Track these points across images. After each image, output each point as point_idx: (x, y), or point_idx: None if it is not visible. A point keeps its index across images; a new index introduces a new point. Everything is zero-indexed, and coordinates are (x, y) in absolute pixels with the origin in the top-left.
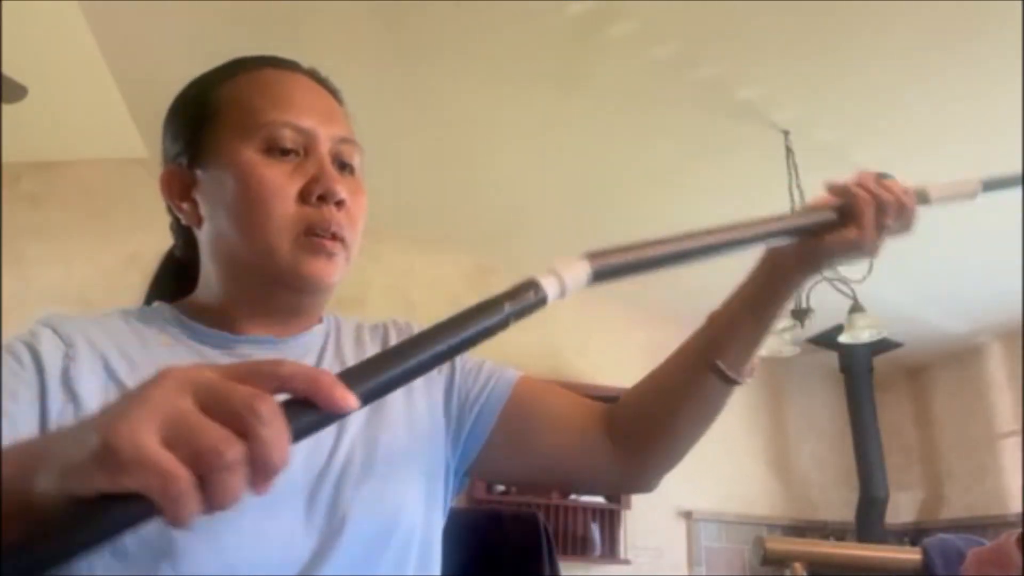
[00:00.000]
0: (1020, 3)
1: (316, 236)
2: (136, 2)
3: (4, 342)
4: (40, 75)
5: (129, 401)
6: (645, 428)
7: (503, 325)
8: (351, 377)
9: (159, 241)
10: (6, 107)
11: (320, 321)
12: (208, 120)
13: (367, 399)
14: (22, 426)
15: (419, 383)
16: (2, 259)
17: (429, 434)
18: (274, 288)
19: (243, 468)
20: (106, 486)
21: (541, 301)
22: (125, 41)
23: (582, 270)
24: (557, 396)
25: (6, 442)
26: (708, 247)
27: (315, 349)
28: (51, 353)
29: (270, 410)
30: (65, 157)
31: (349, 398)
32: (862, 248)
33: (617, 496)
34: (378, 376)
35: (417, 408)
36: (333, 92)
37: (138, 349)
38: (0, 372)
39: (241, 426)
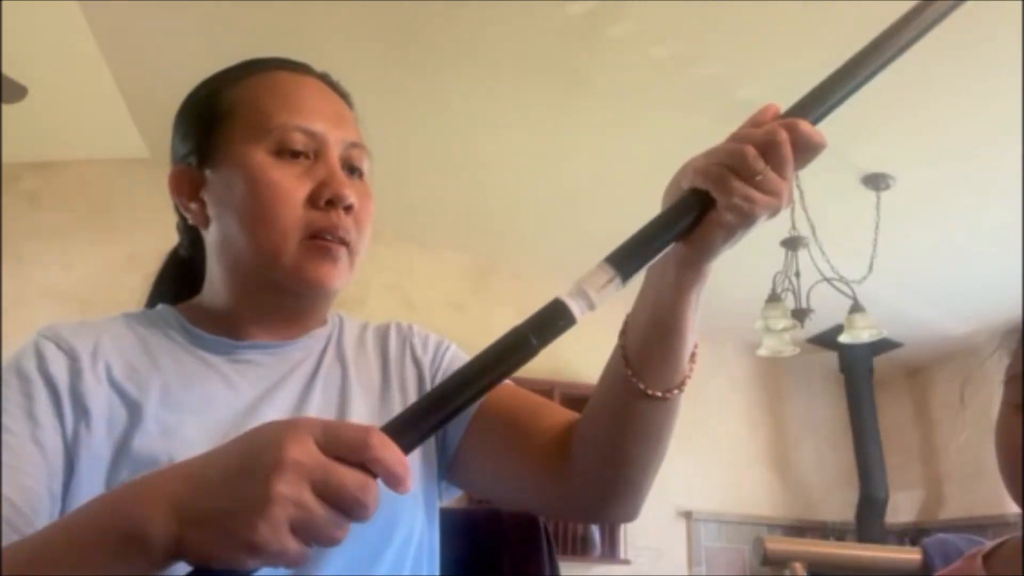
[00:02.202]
0: (1020, 3)
1: (322, 240)
2: (136, 2)
3: (11, 364)
4: (40, 75)
5: (261, 490)
6: (593, 459)
7: (533, 355)
8: (398, 430)
9: (159, 241)
10: (6, 107)
11: (324, 322)
12: (219, 121)
13: (412, 447)
14: (50, 450)
15: (414, 387)
16: (2, 259)
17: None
18: (278, 291)
19: (344, 534)
20: (255, 567)
21: (569, 324)
22: (125, 41)
23: (606, 277)
24: (528, 413)
25: (35, 467)
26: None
27: (315, 352)
28: (59, 369)
29: (372, 499)
30: (65, 157)
31: (407, 486)
32: (748, 218)
33: None
34: (422, 426)
35: (392, 399)
36: (344, 96)
37: (141, 356)
38: (11, 396)
39: (349, 512)
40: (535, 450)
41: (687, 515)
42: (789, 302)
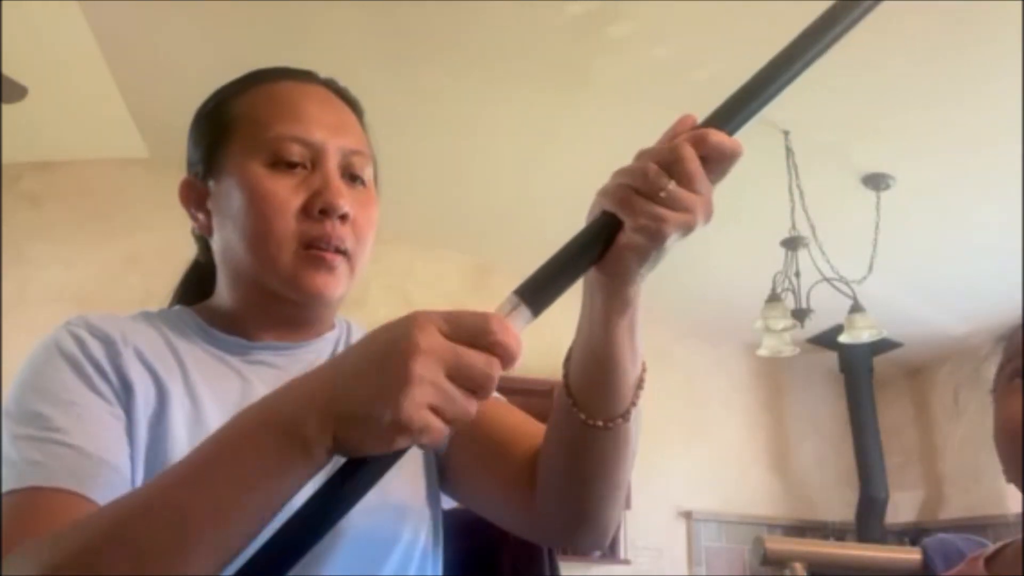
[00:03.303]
0: (1020, 3)
1: (317, 250)
2: (136, 2)
3: (50, 350)
4: (40, 75)
5: (401, 373)
6: (551, 488)
7: None
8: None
9: (159, 241)
10: (6, 107)
11: (332, 327)
12: (222, 133)
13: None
14: (119, 420)
15: None
16: (2, 259)
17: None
18: (279, 299)
19: (475, 411)
20: (403, 445)
21: None
22: (125, 41)
23: (509, 307)
24: (507, 433)
25: (118, 435)
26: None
27: (325, 355)
28: (98, 351)
29: (497, 375)
30: (65, 157)
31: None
32: (657, 238)
33: None
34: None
35: None
36: (350, 102)
37: (163, 347)
38: (65, 377)
39: (480, 391)
40: (507, 474)
41: (687, 515)
42: (789, 302)
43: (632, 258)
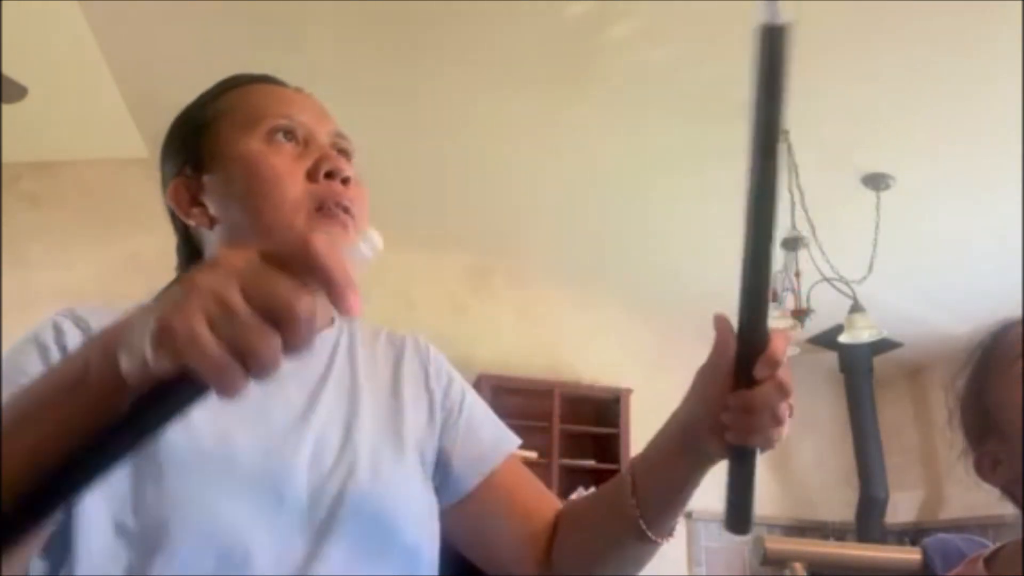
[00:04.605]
0: (1020, 3)
1: (328, 210)
2: (136, 2)
3: (28, 336)
4: (40, 75)
5: (184, 289)
6: (569, 563)
7: None
8: None
9: (159, 241)
10: (6, 107)
11: (331, 322)
12: (208, 127)
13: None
14: None
15: (425, 411)
16: (2, 259)
17: (424, 448)
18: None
19: (274, 353)
20: (167, 364)
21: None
22: (125, 41)
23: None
24: (531, 494)
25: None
26: None
27: (326, 352)
28: (75, 342)
29: (304, 307)
30: (65, 157)
31: (356, 307)
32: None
33: None
34: None
35: (418, 423)
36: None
37: None
38: (29, 361)
39: (282, 324)
40: (525, 534)
41: (687, 515)
42: (789, 302)
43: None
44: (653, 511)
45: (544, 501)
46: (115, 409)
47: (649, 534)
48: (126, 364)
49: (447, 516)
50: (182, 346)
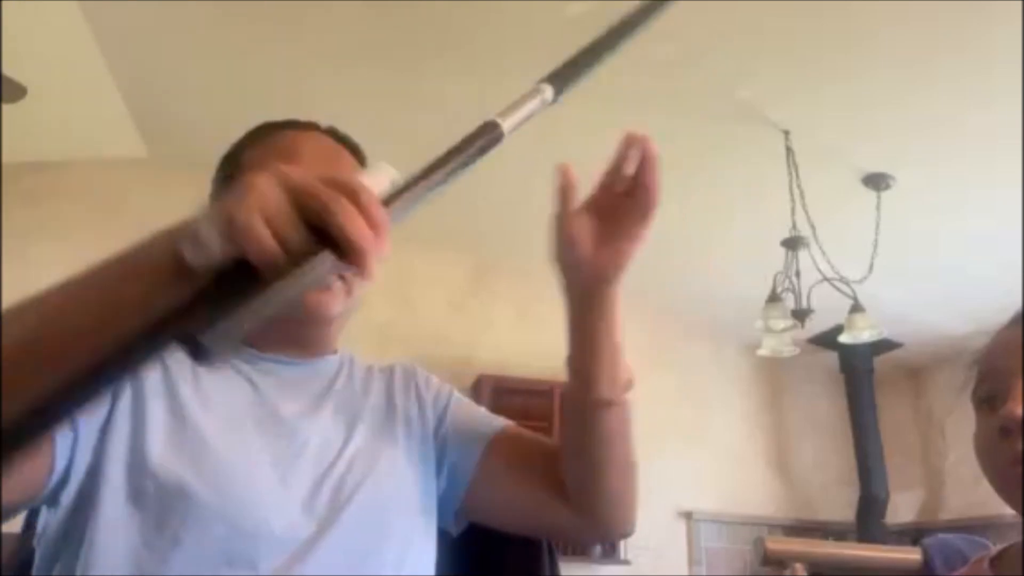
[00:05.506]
0: (1020, 3)
1: None
2: (136, 2)
3: None
4: (40, 75)
5: (244, 187)
6: (572, 475)
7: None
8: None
9: None
10: (6, 107)
11: (335, 351)
12: (230, 178)
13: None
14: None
15: (417, 420)
16: (2, 258)
17: (422, 455)
18: (281, 319)
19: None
20: (229, 252)
21: (497, 139)
22: (125, 41)
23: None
24: (535, 445)
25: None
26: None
27: (329, 374)
28: None
29: (339, 210)
30: (65, 157)
31: (372, 269)
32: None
33: None
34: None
35: (413, 433)
36: (350, 146)
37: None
38: None
39: (318, 220)
40: (546, 477)
41: (687, 515)
42: (789, 302)
43: (625, 259)
44: (593, 372)
45: (547, 448)
46: (173, 298)
47: (605, 395)
48: (190, 252)
49: (470, 505)
50: (239, 232)
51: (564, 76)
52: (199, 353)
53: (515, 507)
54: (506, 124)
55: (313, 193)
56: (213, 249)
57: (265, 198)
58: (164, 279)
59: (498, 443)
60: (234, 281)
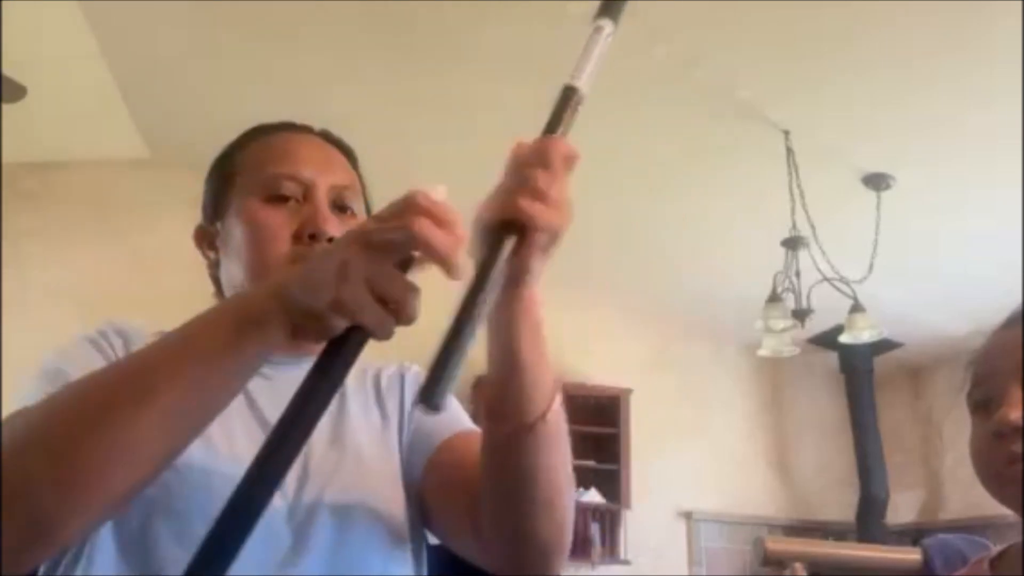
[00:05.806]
0: (1020, 3)
1: None
2: (137, 2)
3: (76, 339)
4: (40, 75)
5: (335, 267)
6: (489, 506)
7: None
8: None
9: (159, 241)
10: (6, 107)
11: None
12: (226, 181)
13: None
14: None
15: (395, 418)
16: (2, 259)
17: (393, 462)
18: None
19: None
20: (341, 324)
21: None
22: (125, 41)
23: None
24: (464, 472)
25: None
26: None
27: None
28: (116, 341)
29: (410, 294)
30: (65, 157)
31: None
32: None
33: (617, 496)
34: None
35: (399, 439)
36: (344, 150)
37: None
38: (88, 354)
39: (399, 253)
40: (466, 500)
41: (687, 515)
42: (789, 302)
43: (538, 257)
44: (502, 396)
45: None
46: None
47: (536, 408)
48: (305, 323)
49: (425, 514)
50: (356, 309)
51: (616, 6)
52: (435, 409)
53: (443, 522)
54: (582, 80)
55: (388, 239)
56: (278, 340)
57: (357, 269)
58: (251, 366)
59: (442, 454)
60: (359, 342)
